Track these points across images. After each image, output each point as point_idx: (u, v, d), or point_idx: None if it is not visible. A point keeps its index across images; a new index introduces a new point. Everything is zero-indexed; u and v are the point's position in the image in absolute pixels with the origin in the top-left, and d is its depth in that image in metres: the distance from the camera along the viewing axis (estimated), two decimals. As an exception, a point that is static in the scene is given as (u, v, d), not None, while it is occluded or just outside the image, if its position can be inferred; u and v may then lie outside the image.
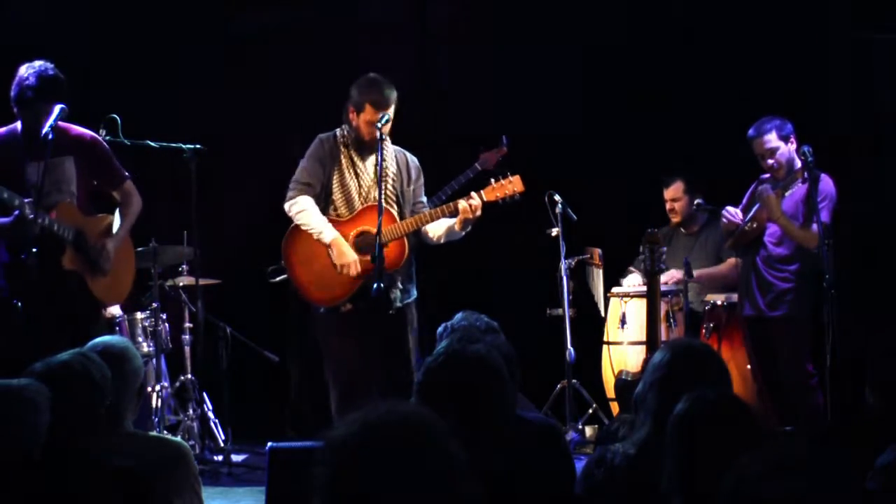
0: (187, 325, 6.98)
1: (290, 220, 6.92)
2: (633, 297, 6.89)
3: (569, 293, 6.92)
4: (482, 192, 5.64)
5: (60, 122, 5.26)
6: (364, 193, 5.69)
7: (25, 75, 5.28)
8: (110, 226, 5.60)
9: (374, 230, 5.49)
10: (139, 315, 6.83)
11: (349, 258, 5.61)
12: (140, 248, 6.53)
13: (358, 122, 5.66)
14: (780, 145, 6.13)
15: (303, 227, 5.69)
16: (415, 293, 5.82)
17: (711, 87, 7.56)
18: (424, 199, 5.91)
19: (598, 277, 7.25)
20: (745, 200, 6.40)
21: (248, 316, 7.35)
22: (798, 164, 6.13)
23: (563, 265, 6.93)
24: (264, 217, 7.71)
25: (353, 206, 5.69)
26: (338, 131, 5.79)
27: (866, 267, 7.07)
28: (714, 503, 2.00)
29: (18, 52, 5.77)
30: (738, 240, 6.28)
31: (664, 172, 7.18)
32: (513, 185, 5.68)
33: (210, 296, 6.85)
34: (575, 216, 6.95)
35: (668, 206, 7.18)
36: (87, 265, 5.41)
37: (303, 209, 5.68)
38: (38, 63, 5.32)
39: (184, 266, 7.06)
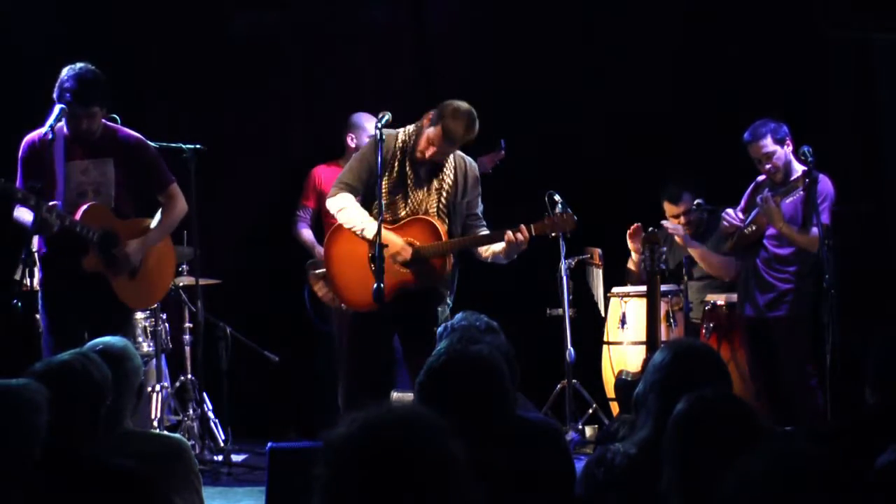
0: (187, 325, 6.98)
1: (289, 224, 6.93)
2: (633, 297, 6.89)
3: (569, 293, 6.92)
4: (532, 226, 5.47)
5: (109, 124, 5.32)
6: (413, 205, 5.54)
7: (65, 78, 5.32)
8: (146, 229, 5.61)
9: (418, 244, 5.44)
10: (139, 315, 6.82)
11: (398, 243, 5.45)
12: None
13: (426, 131, 5.47)
14: (776, 149, 6.13)
15: (345, 225, 5.56)
16: (450, 303, 5.71)
17: (711, 88, 7.56)
18: (480, 209, 5.69)
19: (598, 277, 7.24)
20: (743, 202, 6.40)
21: (248, 316, 7.35)
22: (796, 168, 6.13)
23: (563, 265, 6.92)
24: (264, 217, 7.74)
25: (397, 217, 5.54)
26: (401, 132, 5.58)
27: (866, 267, 7.07)
28: (714, 503, 2.00)
29: (20, 52, 5.79)
30: (737, 242, 6.28)
31: (667, 187, 7.10)
32: (566, 224, 5.60)
33: (210, 296, 6.85)
34: (575, 216, 6.94)
35: (676, 220, 7.01)
36: (111, 268, 5.42)
37: (344, 206, 5.53)
38: (78, 65, 5.36)
39: (184, 266, 7.06)
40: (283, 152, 7.99)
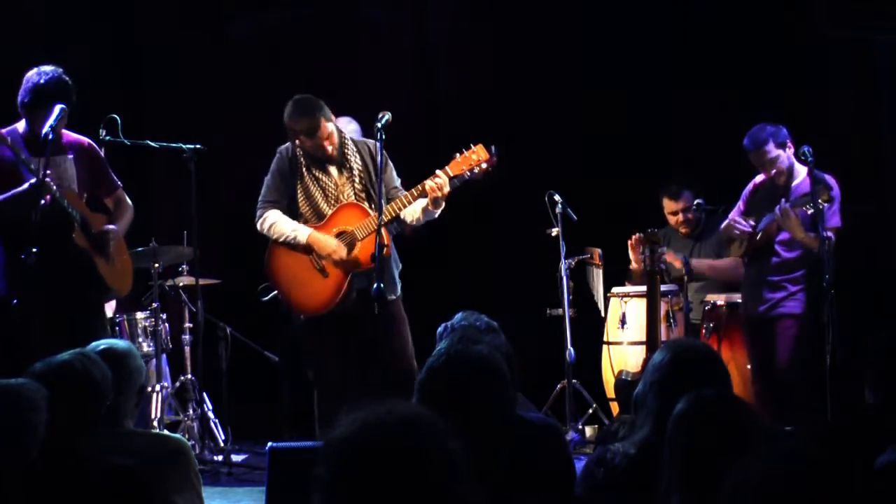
0: (187, 325, 6.99)
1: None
2: (633, 297, 6.89)
3: (569, 293, 6.92)
4: (446, 167, 5.59)
5: (58, 128, 5.27)
6: (333, 197, 5.71)
7: (39, 81, 5.30)
8: (107, 223, 5.61)
9: (351, 228, 5.57)
10: (139, 315, 6.84)
11: (332, 245, 5.63)
12: (140, 248, 6.54)
13: (303, 146, 5.69)
14: (779, 154, 6.11)
15: (278, 239, 5.73)
16: (399, 288, 5.81)
17: (711, 88, 7.56)
18: (398, 182, 5.81)
19: (598, 277, 7.24)
20: (742, 204, 6.38)
21: (248, 316, 7.35)
22: (798, 170, 6.11)
23: (563, 265, 6.93)
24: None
25: (322, 213, 5.71)
26: (297, 142, 5.77)
27: (866, 267, 7.07)
28: (714, 503, 2.00)
29: (19, 51, 5.78)
30: (747, 248, 6.26)
31: (669, 183, 7.11)
32: (477, 154, 5.62)
33: (210, 296, 6.85)
34: (575, 216, 6.95)
35: (678, 217, 7.06)
36: (93, 248, 5.43)
37: (273, 221, 5.74)
38: (47, 67, 5.34)
39: (184, 266, 7.06)
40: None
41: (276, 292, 5.99)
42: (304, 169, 5.73)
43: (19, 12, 7.37)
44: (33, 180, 5.13)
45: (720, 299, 6.69)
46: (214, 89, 7.79)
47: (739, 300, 6.64)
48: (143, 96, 7.64)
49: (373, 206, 5.67)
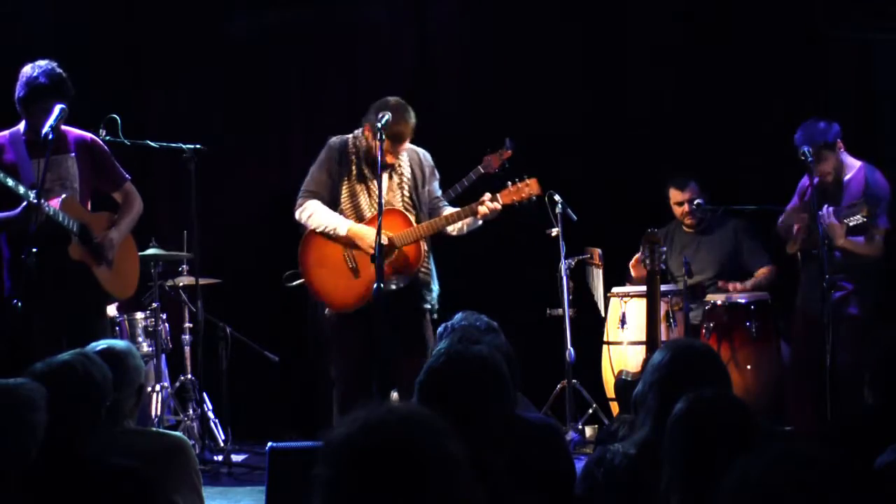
0: (187, 325, 6.99)
1: (290, 223, 6.91)
2: (633, 297, 6.89)
3: (569, 293, 6.92)
4: (499, 195, 5.68)
5: (59, 127, 5.26)
6: (376, 201, 5.64)
7: (34, 74, 5.29)
8: (112, 222, 5.60)
9: (391, 235, 5.56)
10: (139, 315, 6.84)
11: (371, 238, 5.50)
12: (141, 253, 6.55)
13: (371, 143, 5.63)
14: (828, 154, 5.95)
15: (316, 230, 5.70)
16: (435, 299, 5.83)
17: (711, 88, 7.56)
18: (439, 193, 5.90)
19: (598, 277, 7.24)
20: (796, 197, 6.25)
21: (248, 316, 7.35)
22: (851, 163, 6.04)
23: (563, 265, 6.93)
24: (264, 217, 7.75)
25: (363, 216, 5.68)
26: (350, 138, 5.76)
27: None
28: (714, 503, 2.01)
29: (18, 51, 5.77)
30: (802, 245, 6.14)
31: (676, 174, 7.11)
32: (530, 188, 5.74)
33: (210, 296, 6.85)
34: (575, 216, 6.95)
35: (683, 207, 7.06)
36: (92, 257, 5.42)
37: (312, 212, 5.70)
38: (43, 62, 5.33)
39: (184, 266, 7.06)
40: (282, 152, 7.99)
41: (302, 280, 5.98)
42: (353, 167, 5.69)
43: (20, 12, 7.38)
44: (25, 204, 5.11)
45: (720, 299, 6.69)
46: (214, 89, 7.79)
47: (740, 300, 6.64)
48: (143, 96, 7.64)
49: (416, 215, 5.70)
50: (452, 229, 5.78)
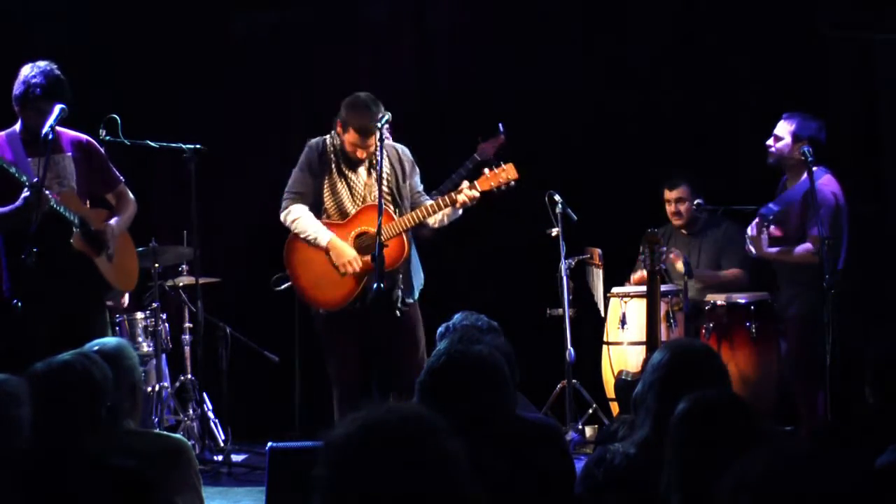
0: (187, 325, 6.99)
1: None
2: (633, 297, 6.89)
3: (569, 293, 6.92)
4: (476, 182, 5.71)
5: (56, 127, 5.26)
6: (359, 197, 5.74)
7: (32, 74, 5.30)
8: (109, 218, 5.61)
9: (372, 230, 5.53)
10: (139, 315, 6.84)
11: (348, 256, 5.66)
12: (140, 248, 6.54)
13: (343, 138, 5.71)
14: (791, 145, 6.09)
15: (299, 235, 5.74)
16: (417, 292, 5.84)
17: (711, 88, 7.56)
18: (421, 187, 5.93)
19: (598, 277, 7.24)
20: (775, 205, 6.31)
21: (248, 316, 7.35)
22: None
23: (563, 265, 6.92)
24: (264, 217, 7.73)
25: (346, 212, 5.74)
26: (328, 138, 5.82)
27: (866, 267, 7.06)
28: (714, 503, 2.01)
29: (18, 50, 5.78)
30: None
31: (668, 175, 7.14)
32: (506, 172, 5.75)
33: (210, 296, 6.85)
34: (575, 216, 6.95)
35: (671, 207, 7.10)
36: (94, 249, 5.43)
37: (297, 217, 5.75)
38: (42, 62, 5.33)
39: (184, 266, 7.06)
40: (282, 152, 7.98)
41: (290, 283, 6.00)
42: (333, 165, 5.76)
43: (21, 12, 7.38)
44: (26, 194, 5.12)
45: (720, 299, 6.69)
46: (214, 89, 7.78)
47: (740, 300, 6.64)
48: (143, 96, 7.63)
49: (398, 209, 5.74)
50: (433, 221, 5.79)
